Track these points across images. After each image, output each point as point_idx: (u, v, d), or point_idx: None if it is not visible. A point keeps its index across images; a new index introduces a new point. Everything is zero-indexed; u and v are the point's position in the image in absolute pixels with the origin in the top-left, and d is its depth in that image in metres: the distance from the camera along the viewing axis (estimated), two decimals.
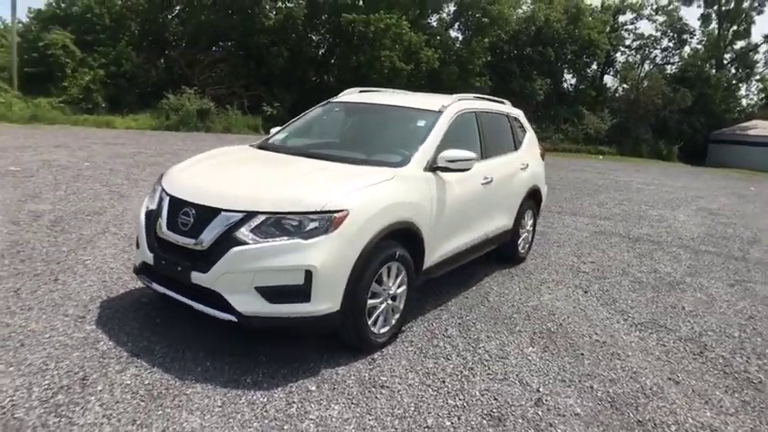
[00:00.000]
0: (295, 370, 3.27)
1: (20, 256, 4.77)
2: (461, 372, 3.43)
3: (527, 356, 3.72)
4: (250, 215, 3.15)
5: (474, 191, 4.57)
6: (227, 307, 3.13)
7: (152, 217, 3.58)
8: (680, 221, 9.55)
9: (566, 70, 34.33)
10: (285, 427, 2.73)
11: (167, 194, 3.52)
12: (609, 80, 37.64)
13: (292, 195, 3.28)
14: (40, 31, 25.00)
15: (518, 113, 6.00)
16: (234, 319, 3.14)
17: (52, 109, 19.76)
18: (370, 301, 3.47)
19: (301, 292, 3.10)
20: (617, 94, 35.63)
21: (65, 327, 3.56)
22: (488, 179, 4.75)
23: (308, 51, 28.48)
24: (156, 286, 3.51)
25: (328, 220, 3.16)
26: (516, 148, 5.66)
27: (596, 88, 34.66)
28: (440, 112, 4.44)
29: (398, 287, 3.72)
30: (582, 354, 3.83)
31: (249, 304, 3.11)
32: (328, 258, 3.13)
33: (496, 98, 5.81)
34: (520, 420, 2.95)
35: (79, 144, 12.72)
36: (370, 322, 3.51)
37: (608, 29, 33.72)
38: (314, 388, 3.11)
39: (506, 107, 5.80)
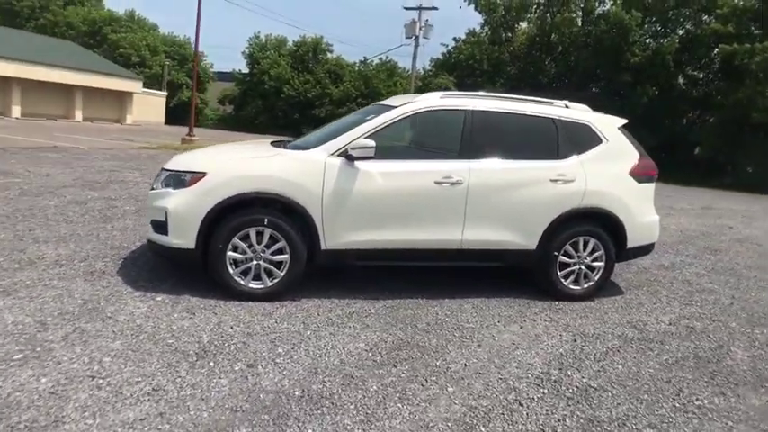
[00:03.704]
0: (172, 291, 4.24)
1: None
2: (242, 330, 3.70)
3: (340, 346, 3.56)
4: (164, 171, 4.40)
5: (418, 187, 4.37)
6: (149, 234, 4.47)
7: None
8: None
9: None
10: (107, 309, 3.81)
11: None
12: None
13: (182, 160, 4.37)
14: (433, 77, 31.17)
15: (588, 119, 4.94)
16: (147, 241, 4.46)
17: None
18: (232, 254, 4.13)
19: (164, 227, 4.13)
20: None
21: (102, 236, 5.58)
22: (454, 180, 4.39)
23: (678, 88, 25.48)
24: None
25: (189, 178, 4.10)
26: (559, 156, 4.75)
27: None
28: (394, 108, 4.51)
29: (276, 254, 4.19)
30: (397, 365, 3.36)
31: (150, 232, 4.36)
32: (180, 205, 4.06)
33: (545, 99, 5.00)
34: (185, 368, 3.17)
35: None
36: (233, 272, 4.15)
37: None
38: (159, 299, 4.06)
39: (555, 109, 4.90)
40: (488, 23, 33.56)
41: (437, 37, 63.78)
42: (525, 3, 30.76)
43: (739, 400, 3.42)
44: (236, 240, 4.12)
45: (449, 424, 2.76)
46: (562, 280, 4.85)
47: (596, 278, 4.94)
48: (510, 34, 33.88)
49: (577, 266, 4.86)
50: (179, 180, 4.20)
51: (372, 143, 4.13)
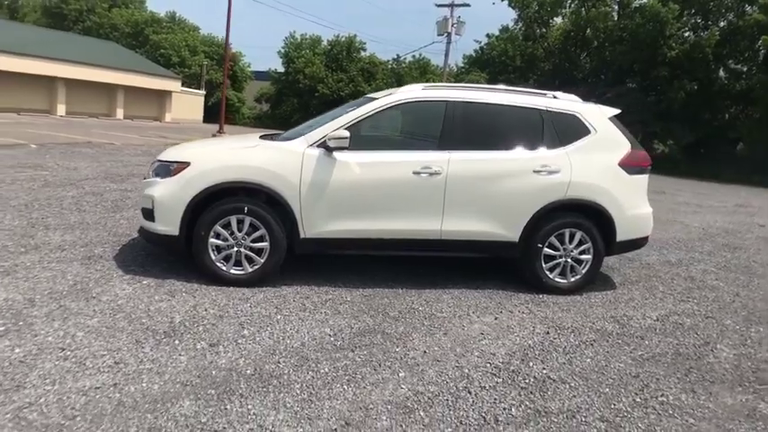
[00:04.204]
0: (159, 275, 4.43)
1: None
2: (216, 314, 3.85)
3: (305, 330, 3.66)
4: (156, 161, 4.60)
5: (396, 178, 4.41)
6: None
7: None
8: None
9: None
10: (94, 290, 4.03)
11: None
12: None
13: (172, 151, 4.55)
14: (465, 74, 30.97)
15: (577, 110, 4.87)
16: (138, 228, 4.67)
17: None
18: (214, 241, 4.28)
19: (151, 214, 4.33)
20: None
21: (109, 224, 5.83)
22: (432, 170, 4.42)
23: (718, 82, 24.46)
24: None
25: (174, 167, 4.28)
26: (544, 146, 4.70)
27: None
28: (374, 99, 4.58)
29: (256, 242, 4.32)
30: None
31: (141, 219, 4.57)
32: (165, 193, 4.25)
33: (535, 90, 4.95)
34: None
35: None
36: (215, 257, 4.31)
37: None
38: (145, 282, 4.26)
39: (541, 100, 4.85)
40: (522, 19, 33.08)
41: (470, 33, 63.17)
42: None
43: (710, 398, 3.33)
44: (217, 228, 4.27)
45: (388, 407, 2.82)
46: (547, 273, 4.81)
47: (584, 272, 4.87)
48: (544, 30, 33.31)
49: (563, 259, 4.81)
50: (166, 170, 4.38)
51: (347, 134, 4.21)
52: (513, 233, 4.66)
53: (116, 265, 4.63)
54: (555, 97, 4.97)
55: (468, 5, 31.40)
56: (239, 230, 4.29)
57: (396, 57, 40.40)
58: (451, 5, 30.93)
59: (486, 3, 42.18)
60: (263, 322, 3.73)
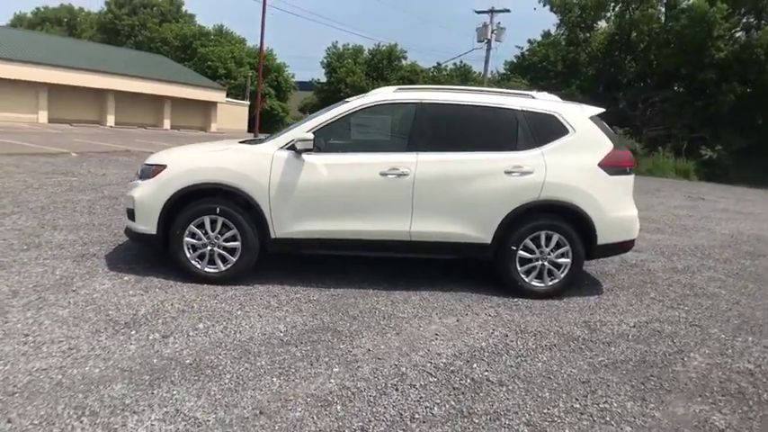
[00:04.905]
0: (141, 272, 4.68)
1: None
2: (182, 306, 4.02)
3: (259, 326, 3.78)
4: (143, 164, 4.86)
5: (362, 179, 4.49)
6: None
7: None
8: None
9: None
10: (75, 284, 4.31)
11: None
12: None
13: (155, 155, 4.80)
14: (506, 80, 30.71)
15: (555, 110, 4.76)
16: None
17: None
18: (189, 240, 4.49)
19: (132, 214, 4.58)
20: None
21: (113, 226, 6.13)
22: (400, 171, 4.47)
23: None
24: None
25: (153, 170, 4.52)
26: (518, 147, 4.65)
27: None
28: (345, 102, 4.68)
29: (228, 241, 4.49)
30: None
31: (125, 219, 4.83)
32: (144, 194, 4.50)
33: (513, 91, 4.91)
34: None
35: None
36: (190, 256, 4.51)
37: None
38: (126, 278, 4.51)
39: (516, 100, 4.80)
40: (564, 24, 32.38)
41: (511, 39, 62.15)
42: (602, 1, 29.36)
43: (659, 407, 3.19)
44: (192, 227, 4.47)
45: (308, 399, 2.88)
46: (523, 276, 4.74)
47: (562, 275, 4.77)
48: (588, 34, 32.50)
49: (540, 262, 4.72)
50: (147, 172, 4.63)
51: (310, 136, 4.33)
52: (484, 235, 4.63)
53: (105, 262, 4.91)
54: (533, 98, 4.91)
55: (508, 11, 31.12)
56: (212, 230, 4.48)
57: (437, 64, 40.50)
58: (491, 12, 30.74)
59: (526, 8, 41.54)
60: (221, 317, 3.88)
